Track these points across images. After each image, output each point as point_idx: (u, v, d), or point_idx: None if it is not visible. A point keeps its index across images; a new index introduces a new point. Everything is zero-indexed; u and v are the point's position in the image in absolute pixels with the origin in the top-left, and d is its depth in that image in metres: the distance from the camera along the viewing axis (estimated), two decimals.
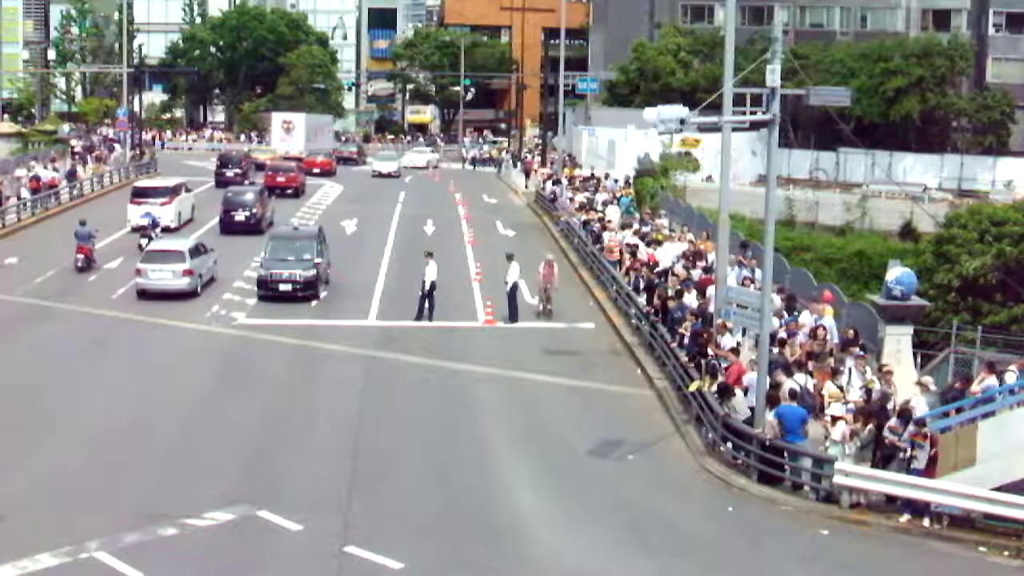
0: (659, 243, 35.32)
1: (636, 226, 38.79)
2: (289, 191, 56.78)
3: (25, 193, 50.51)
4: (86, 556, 16.00)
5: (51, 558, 15.83)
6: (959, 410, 19.98)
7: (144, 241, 38.61)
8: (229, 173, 57.46)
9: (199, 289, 34.32)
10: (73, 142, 75.62)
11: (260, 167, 62.50)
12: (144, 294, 33.80)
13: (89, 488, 18.85)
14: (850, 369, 22.11)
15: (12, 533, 16.80)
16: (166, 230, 42.19)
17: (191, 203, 48.12)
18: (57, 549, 16.05)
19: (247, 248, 39.95)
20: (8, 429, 21.86)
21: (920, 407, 19.79)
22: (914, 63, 71.25)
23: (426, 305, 31.74)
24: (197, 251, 35.14)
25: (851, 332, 24.27)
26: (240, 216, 44.68)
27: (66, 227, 47.59)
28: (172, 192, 45.83)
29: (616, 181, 54.97)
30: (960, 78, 74.31)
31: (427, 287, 31.68)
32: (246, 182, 55.25)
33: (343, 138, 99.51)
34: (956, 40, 73.80)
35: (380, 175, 72.01)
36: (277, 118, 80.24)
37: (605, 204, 45.23)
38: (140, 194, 45.44)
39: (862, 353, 22.84)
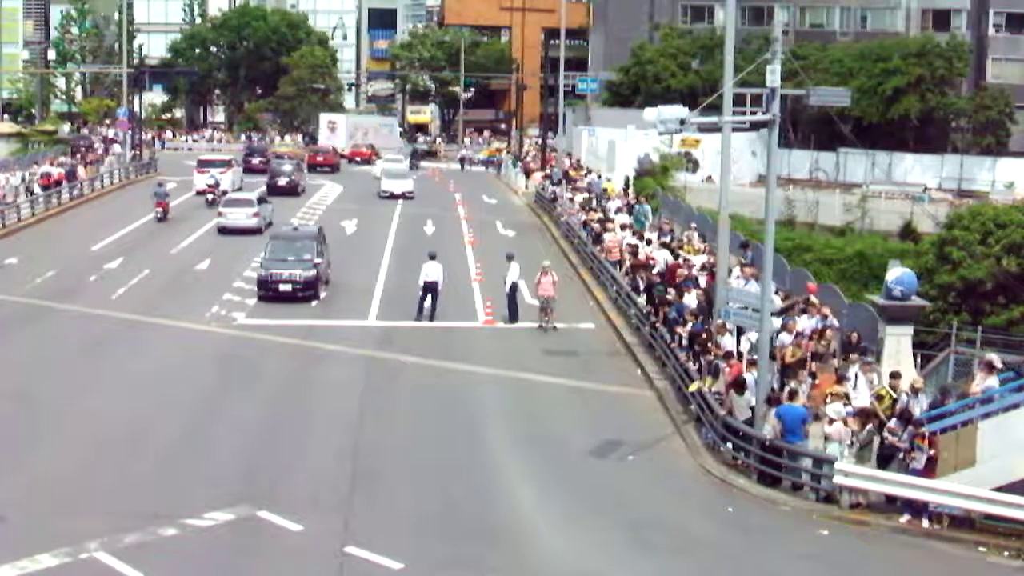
0: (686, 257, 33.37)
1: (659, 236, 36.91)
2: (327, 168, 73.33)
3: (37, 189, 52.72)
4: (86, 556, 16.00)
5: (51, 558, 15.82)
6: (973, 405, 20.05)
7: (209, 197, 52.25)
8: (255, 161, 69.26)
9: (264, 228, 44.54)
10: (97, 144, 76.07)
11: (280, 157, 72.04)
12: (223, 230, 45.09)
13: (89, 488, 18.84)
14: (856, 375, 21.91)
15: (12, 533, 16.80)
16: (224, 193, 52.47)
17: (240, 175, 59.95)
18: (57, 549, 16.03)
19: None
20: (8, 429, 21.86)
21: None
22: (912, 62, 71.23)
23: (427, 305, 31.74)
24: (261, 200, 47.96)
25: (854, 336, 24.11)
26: (282, 181, 58.57)
27: (66, 227, 47.91)
28: (227, 164, 58.77)
29: (599, 177, 54.82)
30: (959, 79, 74.27)
31: (423, 286, 31.68)
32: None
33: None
34: (954, 40, 73.79)
35: (392, 196, 58.99)
36: (324, 118, 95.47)
37: (618, 211, 43.48)
38: (204, 164, 57.66)
39: (869, 359, 22.70)
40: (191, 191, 55.61)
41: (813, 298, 26.73)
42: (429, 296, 31.83)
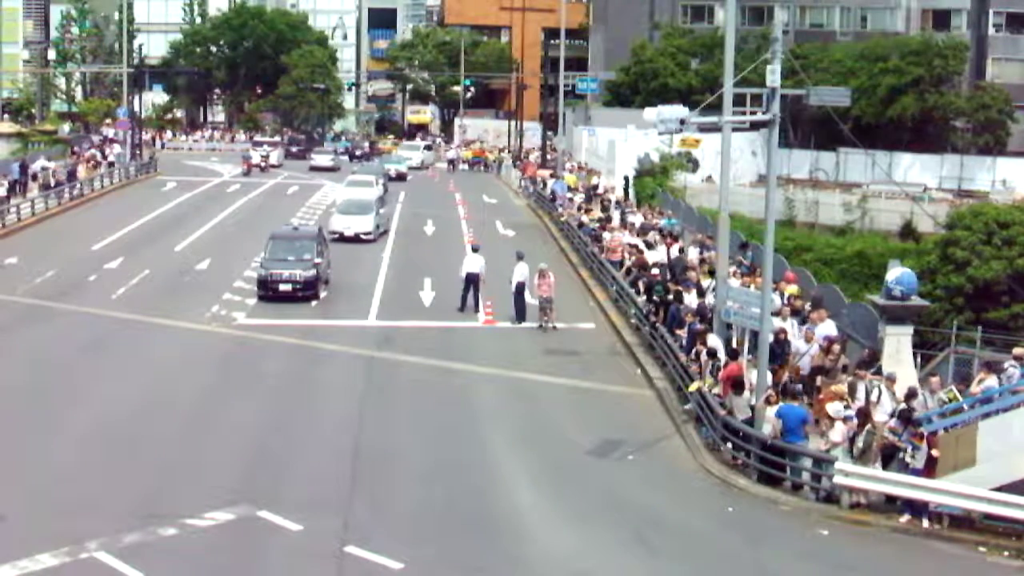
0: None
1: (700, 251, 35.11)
2: None
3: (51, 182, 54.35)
4: (86, 556, 15.98)
5: (51, 558, 15.80)
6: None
7: (262, 165, 71.48)
8: (293, 149, 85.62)
9: (340, 168, 71.01)
10: (106, 150, 76.27)
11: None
12: (314, 168, 72.39)
13: (89, 488, 18.82)
14: (880, 390, 21.29)
15: (12, 533, 16.78)
16: (273, 166, 73.73)
17: (282, 153, 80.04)
18: (57, 549, 16.02)
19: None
20: (8, 429, 21.85)
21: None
22: (910, 60, 71.14)
23: (469, 297, 32.85)
24: (337, 152, 77.98)
25: (866, 352, 23.80)
26: (357, 152, 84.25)
27: (66, 227, 47.88)
28: (274, 145, 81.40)
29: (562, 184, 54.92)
30: (960, 78, 74.25)
31: (465, 278, 32.83)
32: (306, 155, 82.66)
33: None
34: (952, 39, 73.74)
35: (342, 238, 43.27)
36: (457, 122, 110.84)
37: (644, 228, 39.96)
38: (257, 144, 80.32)
39: (890, 374, 22.47)
40: (233, 171, 70.52)
41: (792, 289, 26.48)
42: (471, 288, 32.86)
